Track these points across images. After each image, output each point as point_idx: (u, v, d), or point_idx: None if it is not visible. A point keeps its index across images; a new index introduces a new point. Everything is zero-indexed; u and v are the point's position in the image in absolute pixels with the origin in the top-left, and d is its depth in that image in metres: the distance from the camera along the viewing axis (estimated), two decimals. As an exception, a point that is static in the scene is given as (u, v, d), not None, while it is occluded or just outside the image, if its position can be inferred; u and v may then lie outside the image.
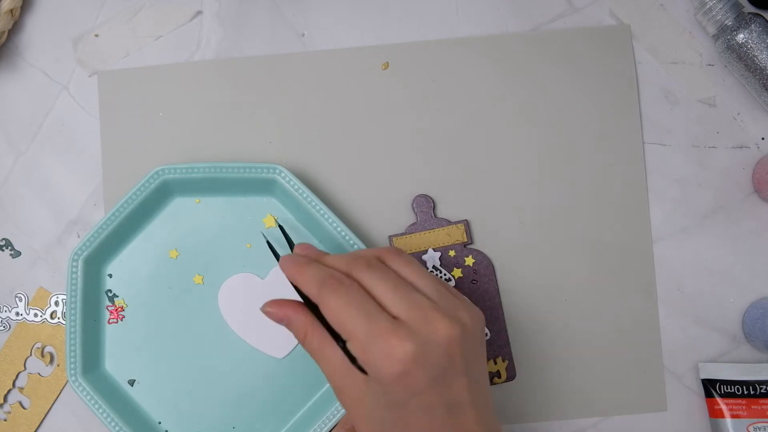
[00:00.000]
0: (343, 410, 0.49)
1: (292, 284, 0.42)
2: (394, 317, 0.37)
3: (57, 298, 0.53)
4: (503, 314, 0.53)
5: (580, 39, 0.54)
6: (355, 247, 0.50)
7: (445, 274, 0.53)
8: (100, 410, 0.49)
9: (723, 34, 0.52)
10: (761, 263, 0.54)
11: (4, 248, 0.54)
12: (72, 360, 0.50)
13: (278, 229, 0.52)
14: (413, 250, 0.53)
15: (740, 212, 0.54)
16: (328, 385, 0.51)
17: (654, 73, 0.55)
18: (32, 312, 0.53)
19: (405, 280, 0.39)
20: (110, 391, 0.51)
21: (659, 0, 0.55)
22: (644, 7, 0.55)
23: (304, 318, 0.41)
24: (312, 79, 0.54)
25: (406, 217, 0.53)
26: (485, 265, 0.53)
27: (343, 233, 0.50)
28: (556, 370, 0.53)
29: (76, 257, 0.50)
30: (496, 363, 0.52)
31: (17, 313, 0.54)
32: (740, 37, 0.51)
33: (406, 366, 0.35)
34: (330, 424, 0.49)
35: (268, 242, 0.49)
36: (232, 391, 0.52)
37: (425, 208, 0.53)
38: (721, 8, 0.51)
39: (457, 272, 0.53)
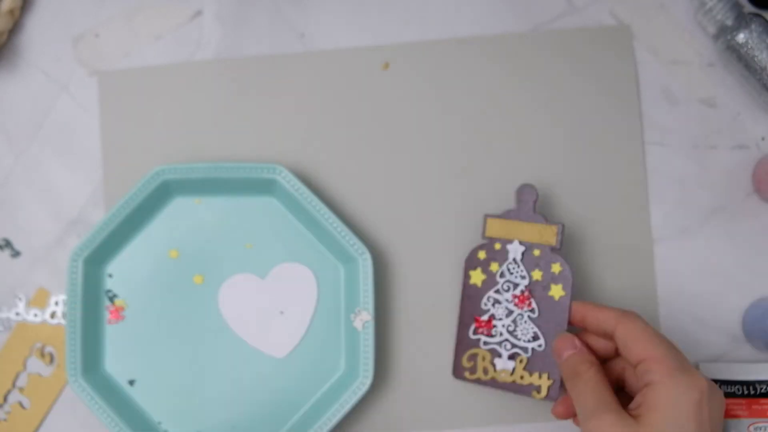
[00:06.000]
0: (343, 410, 0.49)
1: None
2: None
3: (57, 298, 0.53)
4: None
5: (580, 39, 0.54)
6: (355, 247, 0.50)
7: (522, 271, 0.49)
8: (100, 410, 0.49)
9: (723, 34, 0.52)
10: (761, 263, 0.54)
11: (4, 248, 0.54)
12: (72, 360, 0.50)
13: None
14: (501, 236, 0.50)
15: (740, 212, 0.54)
16: (328, 385, 0.51)
17: (654, 73, 0.55)
18: (32, 312, 0.53)
19: None
20: (110, 391, 0.51)
21: (659, 0, 0.55)
22: (644, 7, 0.55)
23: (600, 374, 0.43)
24: (312, 79, 0.54)
25: (405, 217, 0.53)
26: (564, 276, 0.49)
27: (343, 233, 0.50)
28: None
29: (76, 257, 0.50)
30: (540, 378, 0.49)
31: (17, 313, 0.54)
32: (740, 37, 0.51)
33: None
34: (330, 425, 0.49)
35: None
36: (232, 391, 0.52)
37: (527, 198, 0.50)
38: (721, 8, 0.51)
39: (537, 274, 0.49)
